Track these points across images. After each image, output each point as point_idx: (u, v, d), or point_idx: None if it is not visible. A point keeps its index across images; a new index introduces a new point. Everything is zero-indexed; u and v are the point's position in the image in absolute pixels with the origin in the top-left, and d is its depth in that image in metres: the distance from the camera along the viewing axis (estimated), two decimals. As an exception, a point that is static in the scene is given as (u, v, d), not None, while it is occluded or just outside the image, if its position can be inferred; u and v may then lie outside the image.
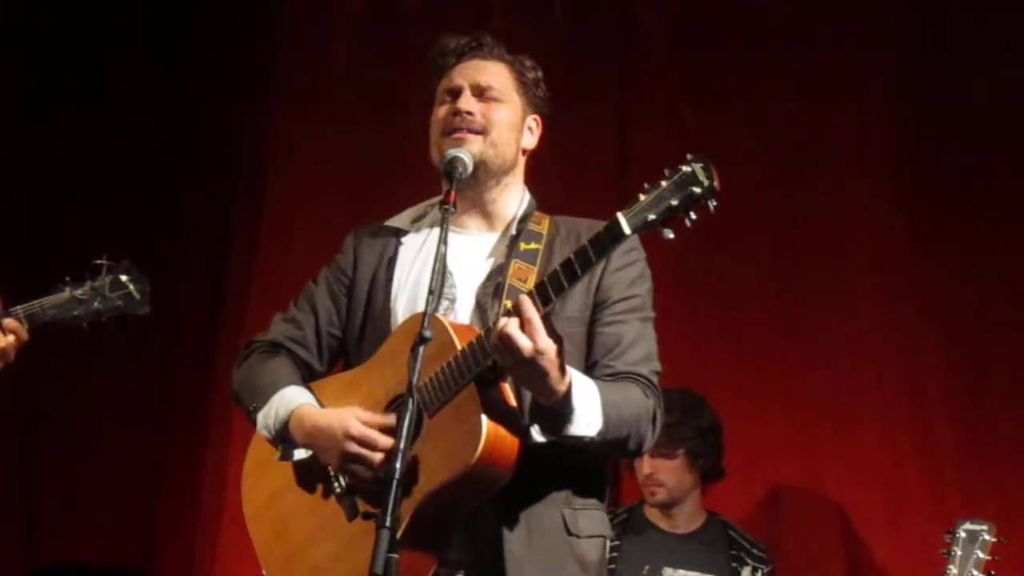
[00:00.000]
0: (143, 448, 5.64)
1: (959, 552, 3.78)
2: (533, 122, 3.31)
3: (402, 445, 2.75)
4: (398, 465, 2.73)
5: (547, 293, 2.87)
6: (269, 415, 3.20)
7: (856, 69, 5.17)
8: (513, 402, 3.00)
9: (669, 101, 5.30)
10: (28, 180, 5.69)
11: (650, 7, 5.37)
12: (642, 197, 2.80)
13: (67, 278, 3.47)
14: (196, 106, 5.74)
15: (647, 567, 4.63)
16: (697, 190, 2.76)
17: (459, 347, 2.97)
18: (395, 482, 2.71)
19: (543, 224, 3.24)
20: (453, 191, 3.07)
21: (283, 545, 3.23)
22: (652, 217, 2.77)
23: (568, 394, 2.91)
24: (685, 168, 2.78)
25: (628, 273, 3.18)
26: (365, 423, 3.04)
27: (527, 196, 3.30)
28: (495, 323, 2.86)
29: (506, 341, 2.82)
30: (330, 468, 3.14)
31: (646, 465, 4.76)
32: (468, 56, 3.28)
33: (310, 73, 5.60)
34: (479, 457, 2.89)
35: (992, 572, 3.77)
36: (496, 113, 3.22)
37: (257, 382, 3.27)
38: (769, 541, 4.87)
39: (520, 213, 3.26)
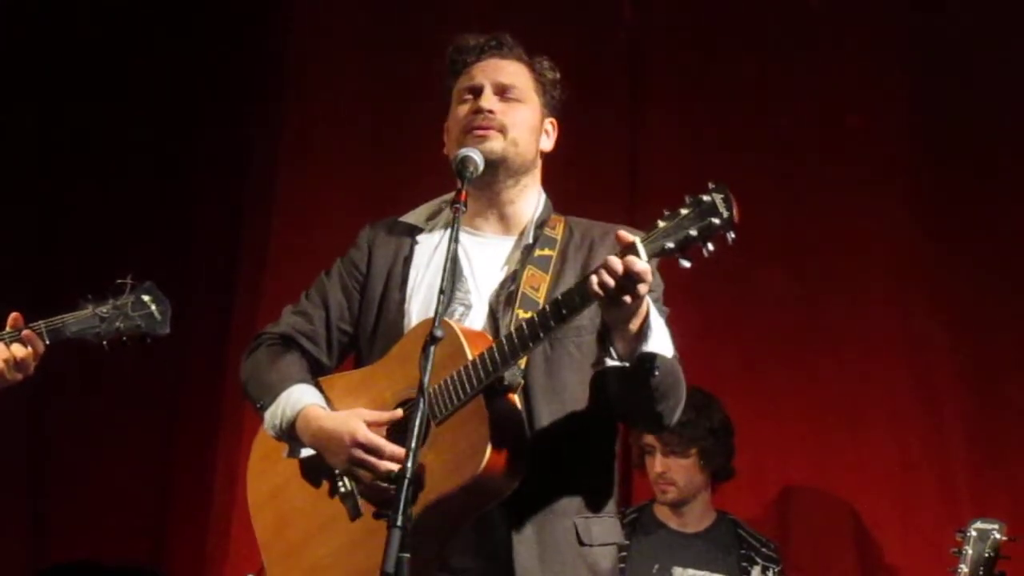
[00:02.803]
0: (154, 447, 5.65)
1: (970, 551, 3.79)
2: (550, 125, 3.30)
3: (413, 445, 2.74)
4: (410, 464, 2.72)
5: (559, 312, 2.88)
6: (276, 414, 3.20)
7: (868, 70, 5.17)
8: (521, 413, 3.00)
9: (679, 102, 5.30)
10: (36, 181, 5.70)
11: (660, 9, 5.37)
12: (661, 224, 2.79)
13: (89, 295, 3.48)
14: (205, 106, 5.74)
15: (657, 566, 4.64)
16: (716, 221, 2.75)
17: (470, 357, 2.97)
18: (407, 481, 2.70)
19: (558, 228, 3.24)
20: (464, 190, 3.06)
21: (284, 539, 3.25)
22: (670, 245, 2.77)
23: (648, 313, 2.90)
24: (705, 198, 2.76)
25: None
26: (370, 424, 3.05)
27: (543, 198, 3.29)
28: (604, 265, 2.79)
29: (638, 276, 2.78)
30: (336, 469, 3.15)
31: (658, 463, 4.77)
32: (487, 55, 3.26)
33: (322, 71, 5.60)
34: (484, 469, 2.90)
35: (1003, 571, 3.77)
36: (517, 114, 3.21)
37: (265, 378, 3.27)
38: (780, 541, 4.87)
39: (536, 218, 3.24)
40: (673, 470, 4.77)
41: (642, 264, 2.77)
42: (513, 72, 3.25)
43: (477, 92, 3.22)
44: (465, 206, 3.04)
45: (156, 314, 3.47)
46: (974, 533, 3.80)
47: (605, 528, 3.14)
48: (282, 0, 5.68)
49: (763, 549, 4.76)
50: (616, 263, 2.77)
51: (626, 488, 5.08)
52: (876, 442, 5.00)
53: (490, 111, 3.19)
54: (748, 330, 5.16)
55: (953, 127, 5.05)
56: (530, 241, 3.20)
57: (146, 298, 3.48)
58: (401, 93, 5.34)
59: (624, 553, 4.67)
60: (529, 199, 3.26)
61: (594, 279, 2.80)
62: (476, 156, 3.12)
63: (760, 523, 4.96)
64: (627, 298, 2.80)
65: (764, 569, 4.64)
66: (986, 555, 3.76)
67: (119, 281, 3.47)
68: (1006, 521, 3.82)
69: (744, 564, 4.71)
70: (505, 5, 5.27)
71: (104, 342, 3.45)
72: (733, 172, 5.15)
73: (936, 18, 5.10)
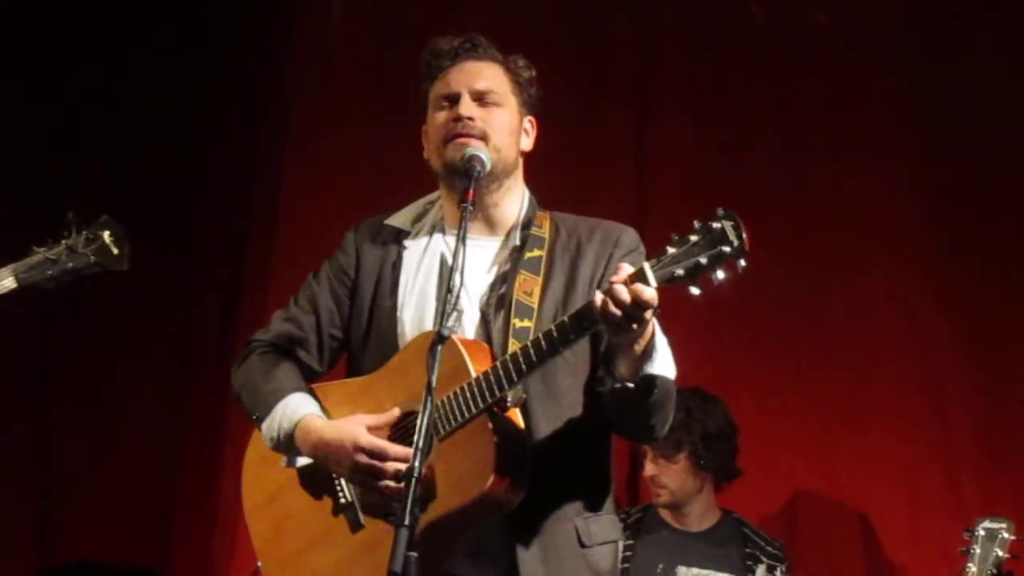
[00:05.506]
0: (160, 448, 5.65)
1: (978, 550, 3.79)
2: (528, 123, 3.27)
3: (421, 442, 2.73)
4: (417, 464, 2.71)
5: (566, 335, 2.87)
6: (273, 426, 3.19)
7: (873, 61, 5.16)
8: (524, 430, 3.00)
9: (686, 97, 5.30)
10: (37, 183, 5.69)
11: (667, 6, 5.37)
12: (670, 250, 2.76)
13: (49, 240, 3.37)
14: (211, 112, 5.74)
15: (661, 566, 4.62)
16: (727, 249, 2.72)
17: (473, 374, 2.97)
18: (414, 480, 2.69)
19: (544, 227, 3.22)
20: (472, 189, 3.05)
21: (283, 545, 3.24)
22: (679, 272, 2.74)
23: (653, 333, 2.90)
24: (715, 225, 2.73)
25: None
26: (371, 428, 3.05)
27: (527, 196, 3.27)
28: (611, 292, 2.78)
29: (646, 304, 2.76)
30: (337, 478, 3.14)
31: (648, 467, 4.77)
32: (462, 58, 3.23)
33: (325, 77, 5.60)
34: (490, 487, 2.91)
35: (1011, 571, 3.77)
36: (496, 119, 3.18)
37: (259, 388, 3.26)
38: (786, 540, 4.87)
39: (522, 218, 3.23)
40: (664, 474, 4.76)
41: (650, 292, 2.75)
42: (490, 76, 3.22)
43: (454, 99, 3.20)
44: (473, 205, 3.03)
45: (111, 247, 3.34)
46: (982, 532, 3.80)
47: (604, 526, 3.14)
48: (286, 8, 5.67)
49: (768, 548, 4.74)
50: (623, 291, 2.76)
51: (632, 488, 5.08)
52: (883, 440, 5.00)
53: (469, 118, 3.16)
54: (754, 328, 5.15)
55: (960, 119, 5.04)
56: (517, 243, 3.19)
57: (103, 233, 3.36)
58: (405, 98, 5.32)
59: (628, 552, 4.66)
60: (513, 200, 3.24)
61: (600, 306, 2.79)
62: (483, 155, 3.11)
63: (767, 522, 4.95)
64: (634, 325, 2.79)
65: (770, 568, 4.63)
66: (994, 554, 3.76)
67: (67, 219, 3.34)
68: (1014, 520, 3.82)
69: (749, 563, 4.70)
70: (508, 5, 5.27)
71: (60, 284, 3.32)
72: (738, 168, 5.17)
73: (939, 9, 5.09)
